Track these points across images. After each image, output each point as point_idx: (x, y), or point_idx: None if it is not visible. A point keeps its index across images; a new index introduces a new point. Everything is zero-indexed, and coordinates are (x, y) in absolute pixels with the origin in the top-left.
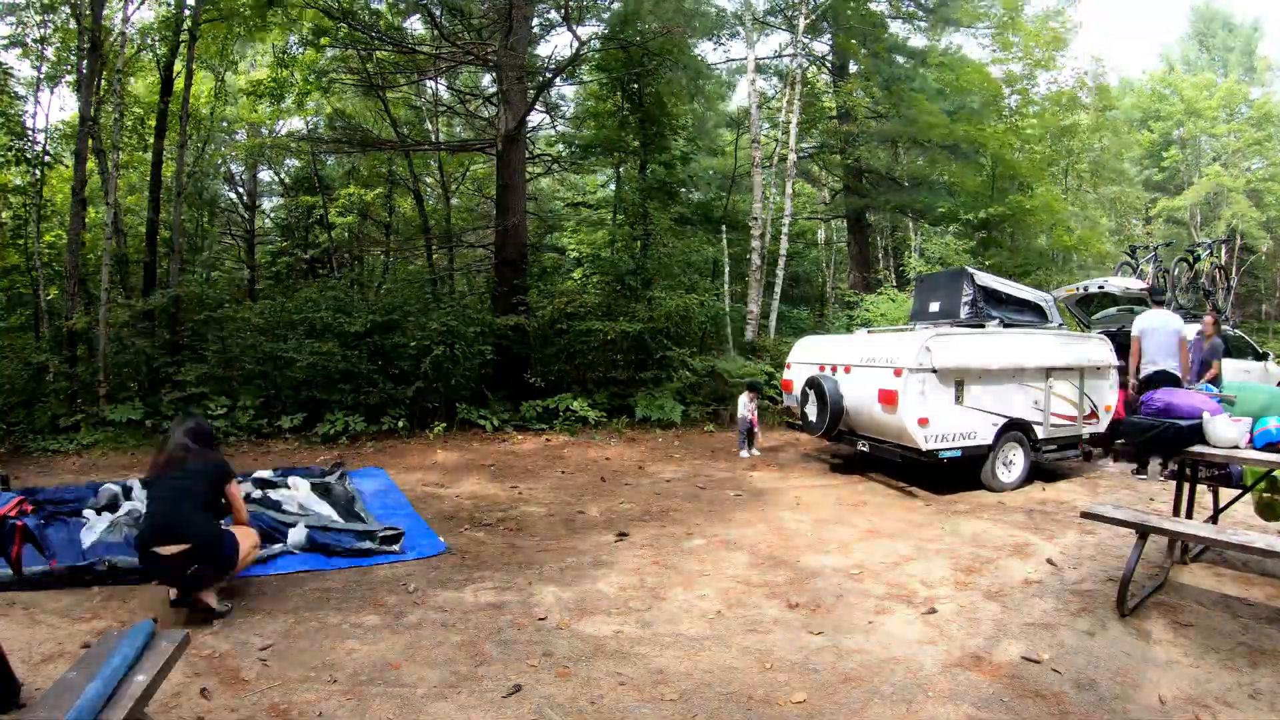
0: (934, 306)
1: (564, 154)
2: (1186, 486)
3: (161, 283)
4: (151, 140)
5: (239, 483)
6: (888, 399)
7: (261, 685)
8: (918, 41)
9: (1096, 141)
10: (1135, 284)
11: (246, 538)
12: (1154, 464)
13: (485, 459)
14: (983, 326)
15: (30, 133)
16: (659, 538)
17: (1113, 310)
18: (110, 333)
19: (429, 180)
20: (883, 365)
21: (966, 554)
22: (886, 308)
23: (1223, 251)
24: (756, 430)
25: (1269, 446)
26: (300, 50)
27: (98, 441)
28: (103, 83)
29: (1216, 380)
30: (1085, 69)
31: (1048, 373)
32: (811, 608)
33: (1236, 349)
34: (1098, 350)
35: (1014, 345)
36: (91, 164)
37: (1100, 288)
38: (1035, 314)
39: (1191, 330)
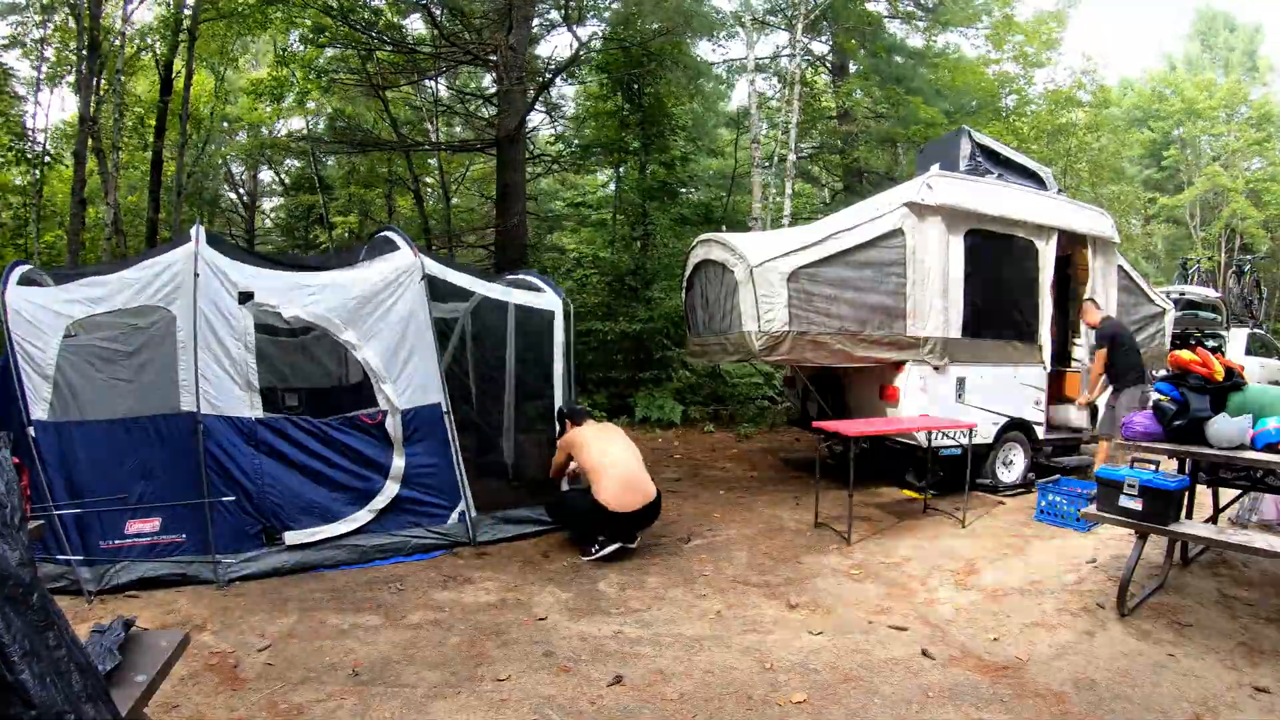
0: (934, 169)
1: (564, 154)
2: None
3: None
4: (151, 140)
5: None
6: (889, 395)
7: (261, 685)
8: (916, 41)
9: (1094, 141)
10: (1211, 292)
11: None
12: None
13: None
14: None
15: (30, 133)
16: (659, 538)
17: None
18: None
19: (429, 180)
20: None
21: (966, 554)
22: None
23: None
24: None
25: (1269, 447)
26: (301, 48)
27: None
28: (102, 83)
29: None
30: (1081, 68)
31: (1047, 234)
32: (811, 608)
33: (1263, 348)
34: (1101, 221)
35: (1016, 197)
36: (91, 164)
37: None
38: (1034, 181)
39: None
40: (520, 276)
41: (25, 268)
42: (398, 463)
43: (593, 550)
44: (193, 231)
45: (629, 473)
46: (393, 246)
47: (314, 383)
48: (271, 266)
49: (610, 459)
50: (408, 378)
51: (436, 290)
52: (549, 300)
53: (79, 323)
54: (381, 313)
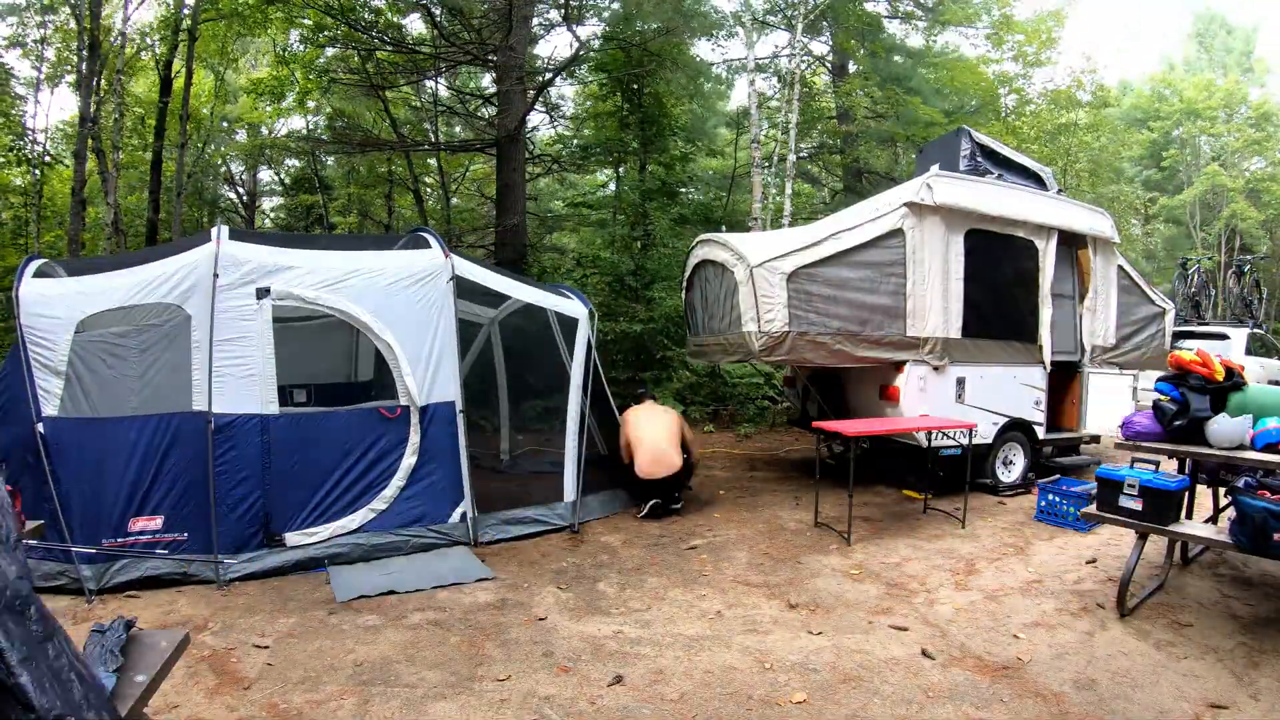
0: (934, 170)
1: (564, 154)
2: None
3: None
4: (151, 140)
5: None
6: (889, 395)
7: (261, 685)
8: (915, 41)
9: (1094, 141)
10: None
11: None
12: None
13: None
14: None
15: (30, 133)
16: (659, 538)
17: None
18: None
19: (429, 180)
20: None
21: (966, 554)
22: None
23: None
24: None
25: (1269, 447)
26: (301, 48)
27: None
28: (102, 83)
29: None
30: (1080, 68)
31: (1049, 234)
32: (811, 608)
33: (1264, 348)
34: (1101, 221)
35: (1016, 197)
36: (91, 164)
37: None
38: (1034, 181)
39: None
40: (552, 286)
41: (40, 262)
42: (409, 460)
43: (642, 508)
44: (214, 231)
45: (655, 448)
46: (424, 245)
47: (322, 379)
48: (300, 245)
49: (641, 435)
50: (430, 373)
51: (464, 290)
52: (575, 308)
53: (92, 318)
54: (407, 306)
